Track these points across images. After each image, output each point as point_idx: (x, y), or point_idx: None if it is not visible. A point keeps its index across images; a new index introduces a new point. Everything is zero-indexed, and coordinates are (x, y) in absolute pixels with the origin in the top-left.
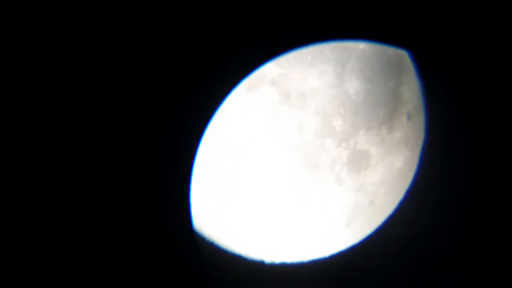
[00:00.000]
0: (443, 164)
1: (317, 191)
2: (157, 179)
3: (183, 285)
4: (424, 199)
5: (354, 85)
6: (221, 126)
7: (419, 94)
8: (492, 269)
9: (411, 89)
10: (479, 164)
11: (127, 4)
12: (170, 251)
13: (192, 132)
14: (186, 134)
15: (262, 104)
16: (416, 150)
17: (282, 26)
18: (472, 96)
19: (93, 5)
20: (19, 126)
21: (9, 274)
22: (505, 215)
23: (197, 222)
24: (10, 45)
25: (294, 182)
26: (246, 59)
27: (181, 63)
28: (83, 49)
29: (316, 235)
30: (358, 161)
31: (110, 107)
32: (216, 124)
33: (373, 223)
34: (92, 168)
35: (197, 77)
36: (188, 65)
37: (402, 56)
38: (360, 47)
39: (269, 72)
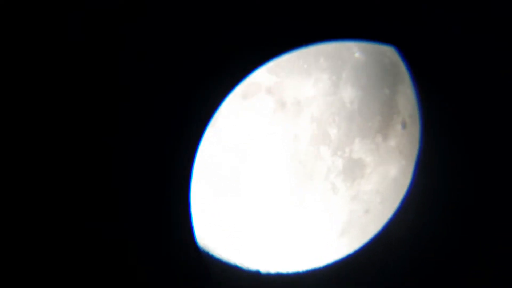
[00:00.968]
0: (438, 172)
1: (312, 200)
2: (157, 179)
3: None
4: (419, 208)
5: (349, 93)
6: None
7: (414, 102)
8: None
9: (406, 97)
10: (475, 172)
11: (127, 4)
12: (169, 252)
13: (192, 132)
14: (186, 134)
15: (258, 112)
16: (411, 158)
17: (282, 26)
18: (468, 104)
19: (93, 5)
20: (19, 126)
21: (9, 274)
22: (501, 224)
23: (196, 222)
24: (10, 45)
25: (289, 190)
26: (246, 59)
27: (181, 63)
28: (83, 49)
29: (311, 244)
30: (353, 169)
31: (110, 107)
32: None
33: (368, 232)
34: (92, 168)
35: (197, 77)
36: (188, 65)
37: (397, 64)
38: (355, 56)
39: (265, 80)
